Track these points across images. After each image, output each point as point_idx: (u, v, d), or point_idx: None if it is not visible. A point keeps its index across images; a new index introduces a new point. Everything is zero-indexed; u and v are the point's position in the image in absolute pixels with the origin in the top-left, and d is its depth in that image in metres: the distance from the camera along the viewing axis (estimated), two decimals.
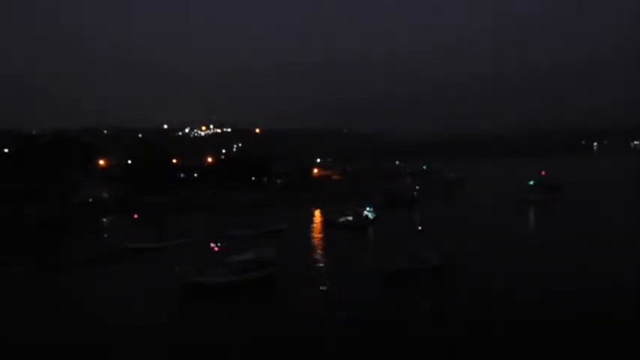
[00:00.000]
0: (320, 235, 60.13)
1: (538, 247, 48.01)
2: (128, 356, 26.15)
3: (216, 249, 43.00)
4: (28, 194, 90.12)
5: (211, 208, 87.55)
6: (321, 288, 36.60)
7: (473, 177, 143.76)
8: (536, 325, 27.67)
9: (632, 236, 51.64)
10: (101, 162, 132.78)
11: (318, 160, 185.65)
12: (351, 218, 66.52)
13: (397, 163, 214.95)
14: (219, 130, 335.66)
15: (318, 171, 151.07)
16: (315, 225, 68.60)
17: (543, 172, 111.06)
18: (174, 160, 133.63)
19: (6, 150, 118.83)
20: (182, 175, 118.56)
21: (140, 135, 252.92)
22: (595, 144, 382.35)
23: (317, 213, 79.75)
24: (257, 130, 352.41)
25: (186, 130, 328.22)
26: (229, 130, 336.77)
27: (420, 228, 46.81)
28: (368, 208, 69.91)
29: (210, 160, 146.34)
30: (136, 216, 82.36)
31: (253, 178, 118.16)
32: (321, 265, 44.32)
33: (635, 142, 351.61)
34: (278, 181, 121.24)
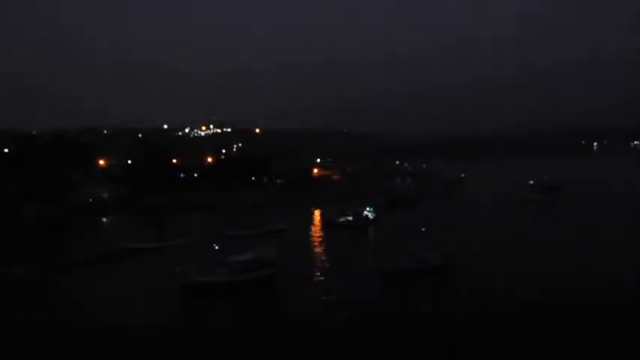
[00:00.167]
0: (320, 235, 60.10)
1: (538, 247, 48.00)
2: (128, 356, 26.15)
3: (216, 249, 42.95)
4: (28, 194, 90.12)
5: (211, 208, 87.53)
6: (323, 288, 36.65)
7: (473, 177, 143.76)
8: (536, 325, 27.68)
9: (632, 236, 51.65)
10: (101, 162, 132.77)
11: (318, 160, 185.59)
12: (351, 218, 66.53)
13: (397, 163, 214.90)
14: (219, 130, 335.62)
15: (318, 171, 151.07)
16: (315, 225, 68.59)
17: (546, 179, 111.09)
18: (174, 160, 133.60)
19: (6, 150, 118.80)
20: (182, 175, 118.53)
21: (140, 135, 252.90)
22: (595, 144, 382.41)
23: (317, 213, 79.73)
24: (257, 130, 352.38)
25: (186, 130, 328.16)
26: (229, 130, 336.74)
27: (423, 229, 46.69)
28: (368, 208, 69.92)
29: (210, 160, 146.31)
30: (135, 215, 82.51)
31: (253, 178, 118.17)
32: (321, 265, 44.31)
33: (635, 142, 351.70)
34: (278, 181, 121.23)
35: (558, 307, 30.44)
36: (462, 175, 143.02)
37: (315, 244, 54.90)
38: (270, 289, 37.89)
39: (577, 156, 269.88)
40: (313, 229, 65.22)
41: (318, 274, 41.13)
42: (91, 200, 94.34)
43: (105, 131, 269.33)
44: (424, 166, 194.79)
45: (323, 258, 47.05)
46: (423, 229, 47.67)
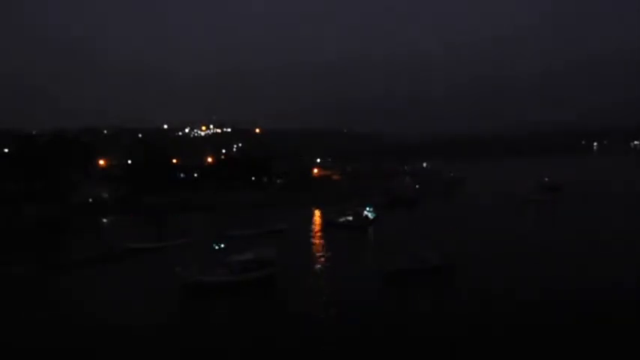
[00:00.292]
0: (320, 235, 60.10)
1: (538, 247, 48.00)
2: (128, 356, 26.16)
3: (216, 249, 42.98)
4: (28, 194, 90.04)
5: (211, 208, 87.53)
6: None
7: (473, 177, 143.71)
8: (536, 325, 27.69)
9: (632, 236, 51.65)
10: (101, 162, 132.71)
11: (318, 160, 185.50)
12: (351, 218, 66.52)
13: (397, 163, 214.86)
14: (219, 130, 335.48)
15: (318, 171, 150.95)
16: (315, 225, 68.58)
17: (547, 179, 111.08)
18: (174, 160, 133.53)
19: (6, 150, 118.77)
20: (182, 175, 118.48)
21: (140, 135, 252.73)
22: (595, 144, 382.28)
23: (317, 213, 79.72)
24: (257, 130, 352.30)
25: (186, 130, 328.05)
26: (229, 130, 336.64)
27: (423, 229, 46.73)
28: (368, 208, 69.92)
29: (210, 160, 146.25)
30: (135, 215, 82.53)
31: (253, 178, 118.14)
32: (321, 265, 44.32)
33: (635, 142, 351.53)
34: (278, 181, 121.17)
35: (558, 307, 30.44)
36: (462, 175, 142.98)
37: (315, 244, 54.91)
38: (270, 289, 37.90)
39: (577, 156, 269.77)
40: (313, 229, 65.22)
41: (318, 274, 41.15)
42: (91, 200, 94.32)
43: (105, 131, 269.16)
44: (424, 166, 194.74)
45: (323, 258, 47.06)
46: (423, 229, 47.66)
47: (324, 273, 41.29)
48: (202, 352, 26.23)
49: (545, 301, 31.62)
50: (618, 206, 74.51)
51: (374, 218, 68.18)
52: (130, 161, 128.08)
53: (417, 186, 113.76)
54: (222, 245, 43.80)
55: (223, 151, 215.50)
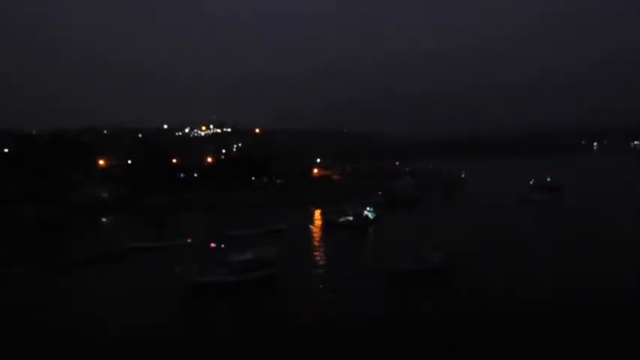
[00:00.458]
0: (320, 235, 60.11)
1: (538, 247, 48.02)
2: (128, 356, 26.16)
3: (216, 248, 42.94)
4: (28, 194, 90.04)
5: (211, 208, 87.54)
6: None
7: (473, 177, 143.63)
8: (536, 325, 27.69)
9: (632, 236, 51.66)
10: (101, 162, 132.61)
11: (318, 160, 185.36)
12: (351, 218, 66.50)
13: (397, 163, 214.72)
14: (219, 130, 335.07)
15: (318, 171, 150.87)
16: (315, 225, 68.58)
17: (549, 176, 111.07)
18: (174, 160, 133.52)
19: (6, 150, 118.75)
20: (182, 175, 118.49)
21: (140, 135, 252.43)
22: (595, 144, 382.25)
23: (317, 213, 79.72)
24: (257, 130, 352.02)
25: (186, 130, 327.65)
26: (229, 130, 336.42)
27: (423, 229, 46.72)
28: (368, 208, 69.92)
29: (210, 160, 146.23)
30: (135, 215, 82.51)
31: (253, 178, 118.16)
32: (321, 265, 44.31)
33: (635, 142, 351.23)
34: (278, 181, 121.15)
35: (558, 307, 30.45)
36: (462, 175, 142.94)
37: (315, 244, 54.90)
38: (270, 289, 37.91)
39: (577, 156, 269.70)
40: (313, 229, 65.22)
41: (318, 273, 41.14)
42: (91, 200, 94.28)
43: (105, 131, 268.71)
44: (424, 166, 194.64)
45: (323, 258, 47.06)
46: (424, 229, 47.65)
47: (324, 273, 41.28)
48: (202, 352, 26.22)
49: (545, 301, 31.63)
50: (618, 206, 74.48)
51: (374, 218, 68.17)
52: (130, 161, 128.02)
53: (416, 186, 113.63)
54: (222, 245, 43.73)
55: (223, 151, 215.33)
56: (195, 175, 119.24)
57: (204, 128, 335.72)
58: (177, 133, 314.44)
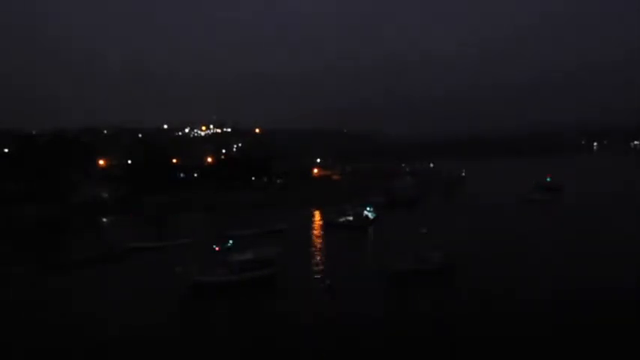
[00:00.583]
0: (320, 235, 60.12)
1: (538, 247, 48.02)
2: (129, 356, 26.15)
3: (217, 249, 42.87)
4: (28, 194, 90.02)
5: (211, 208, 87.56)
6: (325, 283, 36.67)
7: (473, 177, 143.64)
8: (536, 325, 27.69)
9: (632, 236, 51.66)
10: (101, 162, 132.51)
11: (318, 160, 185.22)
12: (351, 218, 66.51)
13: (397, 163, 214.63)
14: (219, 130, 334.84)
15: (318, 171, 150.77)
16: (315, 225, 68.59)
17: (549, 176, 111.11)
18: (174, 160, 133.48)
19: (6, 150, 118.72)
20: (182, 175, 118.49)
21: (140, 135, 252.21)
22: (595, 144, 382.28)
23: (317, 213, 79.74)
24: (257, 130, 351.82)
25: (186, 130, 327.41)
26: (229, 130, 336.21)
27: (423, 229, 46.64)
28: (368, 208, 69.92)
29: (210, 160, 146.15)
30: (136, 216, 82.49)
31: (253, 178, 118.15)
32: (321, 265, 44.31)
33: (635, 142, 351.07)
34: (278, 181, 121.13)
35: (558, 307, 30.45)
36: (462, 175, 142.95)
37: (315, 244, 54.91)
38: (270, 288, 37.91)
39: (577, 156, 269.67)
40: (313, 229, 65.23)
41: (318, 274, 41.13)
42: (91, 200, 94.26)
43: (105, 131, 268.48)
44: (424, 166, 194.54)
45: (323, 258, 47.06)
46: (424, 229, 47.63)
47: (324, 273, 41.26)
48: (202, 352, 26.22)
49: (545, 301, 31.64)
50: (618, 206, 74.48)
51: (374, 218, 68.18)
52: (130, 161, 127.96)
53: (417, 186, 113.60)
54: (231, 242, 43.42)
55: (223, 151, 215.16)
56: (195, 175, 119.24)
57: (204, 128, 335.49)
58: (177, 133, 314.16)
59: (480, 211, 75.15)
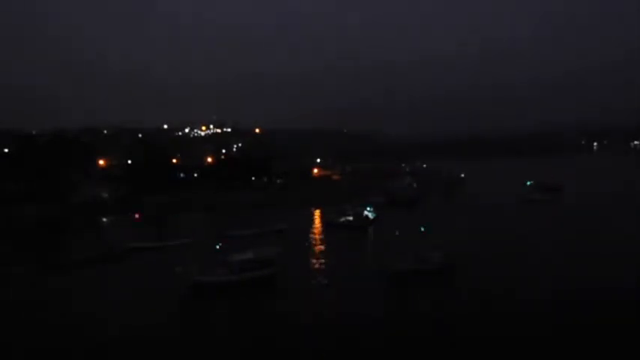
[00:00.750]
0: (320, 235, 60.12)
1: (538, 247, 48.02)
2: (129, 356, 26.15)
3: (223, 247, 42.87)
4: (28, 194, 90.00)
5: (211, 208, 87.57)
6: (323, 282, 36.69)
7: (473, 177, 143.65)
8: (536, 325, 27.69)
9: (632, 236, 51.66)
10: (101, 162, 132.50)
11: (318, 160, 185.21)
12: (351, 218, 66.52)
13: (397, 163, 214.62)
14: (219, 130, 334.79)
15: (318, 171, 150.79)
16: (315, 225, 68.60)
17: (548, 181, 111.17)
18: (174, 160, 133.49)
19: (6, 150, 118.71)
20: (182, 175, 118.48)
21: (140, 135, 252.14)
22: (595, 144, 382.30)
23: (317, 213, 79.74)
24: (257, 130, 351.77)
25: (186, 130, 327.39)
26: (229, 130, 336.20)
27: (423, 229, 46.67)
28: (368, 208, 69.91)
29: (210, 160, 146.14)
30: (137, 216, 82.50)
31: (253, 178, 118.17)
32: (321, 265, 44.32)
33: (635, 142, 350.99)
34: (278, 181, 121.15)
35: (558, 307, 30.46)
36: (462, 175, 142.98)
37: (315, 244, 54.91)
38: (270, 288, 37.91)
39: (577, 156, 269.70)
40: (313, 229, 65.23)
41: (318, 274, 41.15)
42: (91, 200, 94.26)
43: (105, 131, 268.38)
44: (424, 166, 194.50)
45: (323, 258, 47.06)
46: (424, 230, 47.64)
47: (324, 273, 41.28)
48: (202, 352, 26.22)
49: (545, 301, 31.64)
50: (618, 206, 74.49)
51: (374, 218, 68.19)
52: (130, 161, 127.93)
53: (417, 186, 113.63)
54: (226, 243, 43.55)
55: (223, 151, 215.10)
56: (195, 175, 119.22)
57: (204, 128, 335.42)
58: (177, 133, 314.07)
59: (480, 211, 75.16)
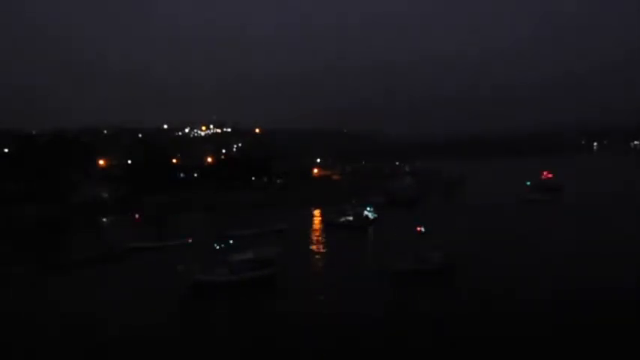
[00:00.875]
0: (320, 235, 60.13)
1: (538, 247, 48.02)
2: (128, 356, 26.16)
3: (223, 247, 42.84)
4: (28, 194, 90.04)
5: (211, 208, 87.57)
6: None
7: (473, 177, 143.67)
8: (536, 325, 27.69)
9: (632, 236, 51.64)
10: (101, 162, 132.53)
11: (318, 160, 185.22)
12: (351, 218, 66.52)
13: (397, 163, 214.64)
14: (219, 130, 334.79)
15: (318, 171, 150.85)
16: (315, 225, 68.61)
17: (547, 175, 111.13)
18: (174, 160, 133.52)
19: (6, 150, 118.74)
20: (182, 175, 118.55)
21: (140, 135, 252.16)
22: (595, 144, 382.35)
23: (317, 213, 79.75)
24: (257, 130, 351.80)
25: (186, 130, 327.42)
26: (229, 130, 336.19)
27: (423, 229, 46.66)
28: (368, 208, 69.91)
29: (210, 160, 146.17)
30: (137, 216, 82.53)
31: (253, 178, 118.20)
32: (321, 265, 44.34)
33: (635, 142, 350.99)
34: (278, 181, 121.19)
35: (558, 307, 30.45)
36: (462, 175, 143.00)
37: (315, 244, 54.92)
38: (270, 289, 37.92)
39: (577, 156, 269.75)
40: (313, 229, 65.25)
41: (318, 274, 41.18)
42: (91, 200, 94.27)
43: (105, 131, 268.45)
44: (424, 166, 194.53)
45: (323, 258, 47.07)
46: (424, 229, 47.65)
47: (324, 273, 41.30)
48: (202, 352, 26.22)
49: (545, 301, 31.63)
50: (618, 206, 74.47)
51: (374, 218, 68.18)
52: (130, 161, 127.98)
53: (417, 186, 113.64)
54: (230, 242, 43.44)
55: (223, 151, 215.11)
56: (195, 175, 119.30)
57: (204, 128, 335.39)
58: (177, 133, 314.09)
59: (480, 211, 75.14)
